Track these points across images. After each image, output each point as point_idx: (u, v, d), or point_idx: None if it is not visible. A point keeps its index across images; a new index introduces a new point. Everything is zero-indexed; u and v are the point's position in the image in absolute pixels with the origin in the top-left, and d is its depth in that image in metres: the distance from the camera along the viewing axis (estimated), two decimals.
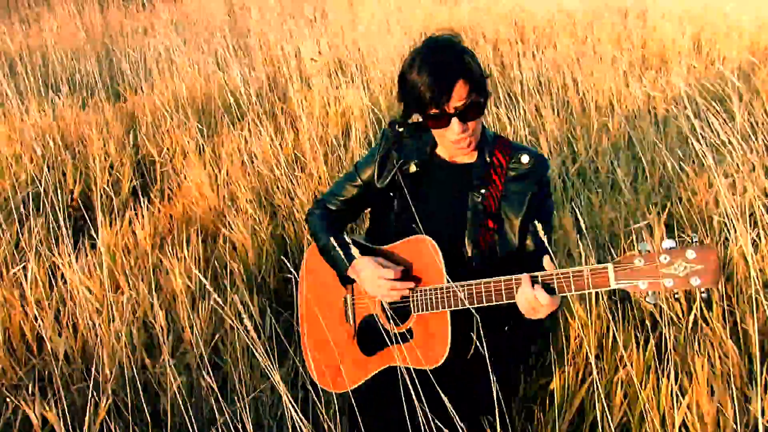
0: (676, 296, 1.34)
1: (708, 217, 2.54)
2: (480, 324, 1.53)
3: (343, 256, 1.67)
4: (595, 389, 1.79)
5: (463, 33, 5.81)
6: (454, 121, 1.53)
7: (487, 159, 1.65)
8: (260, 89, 4.34)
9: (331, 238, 1.71)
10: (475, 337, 1.57)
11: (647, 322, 2.11)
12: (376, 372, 1.67)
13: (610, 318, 1.90)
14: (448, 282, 1.52)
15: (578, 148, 3.43)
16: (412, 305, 1.60)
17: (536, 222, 1.44)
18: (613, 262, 1.32)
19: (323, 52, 4.99)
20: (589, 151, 3.36)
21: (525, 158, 1.65)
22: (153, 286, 2.24)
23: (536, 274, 1.42)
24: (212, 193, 3.03)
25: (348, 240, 1.65)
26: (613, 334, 1.92)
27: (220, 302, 1.51)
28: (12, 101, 4.21)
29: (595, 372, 1.77)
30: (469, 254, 1.61)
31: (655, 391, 1.76)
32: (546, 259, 1.42)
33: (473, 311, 1.50)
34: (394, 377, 1.58)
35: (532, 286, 1.40)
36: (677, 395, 1.70)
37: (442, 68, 1.51)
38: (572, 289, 1.38)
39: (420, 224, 1.64)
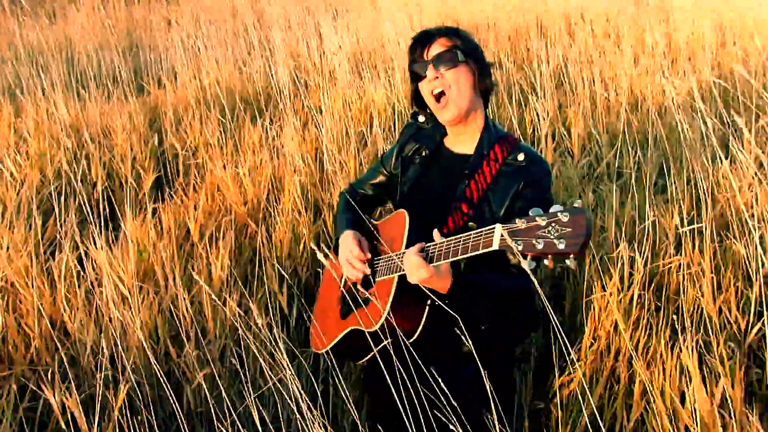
0: (546, 262, 1.25)
1: (739, 217, 2.49)
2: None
3: (339, 227, 1.87)
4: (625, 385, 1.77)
5: (482, 28, 5.78)
6: (429, 67, 1.67)
7: (484, 151, 1.72)
8: (283, 83, 4.35)
9: (344, 214, 1.92)
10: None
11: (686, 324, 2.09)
12: (342, 335, 1.77)
13: (649, 320, 1.89)
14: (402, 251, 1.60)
15: (603, 145, 3.40)
16: (377, 272, 1.73)
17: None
18: (501, 224, 1.31)
19: (345, 47, 4.99)
20: (612, 148, 3.32)
21: (521, 156, 1.69)
22: (181, 277, 2.26)
23: (428, 244, 1.52)
24: (251, 186, 3.05)
25: (351, 216, 1.87)
26: (647, 336, 1.91)
27: (247, 294, 1.51)
28: (39, 95, 4.28)
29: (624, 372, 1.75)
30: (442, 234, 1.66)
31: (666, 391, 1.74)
32: (435, 232, 1.52)
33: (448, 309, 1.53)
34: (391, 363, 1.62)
35: (420, 251, 1.51)
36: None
37: (422, 31, 1.75)
38: (455, 255, 1.41)
39: (413, 203, 1.77)
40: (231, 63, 5.05)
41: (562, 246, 1.18)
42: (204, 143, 3.70)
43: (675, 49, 4.75)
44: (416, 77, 1.75)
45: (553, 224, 1.20)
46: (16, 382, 2.00)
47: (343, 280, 1.88)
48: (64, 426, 1.72)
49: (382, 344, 1.64)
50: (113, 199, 3.22)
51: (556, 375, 1.93)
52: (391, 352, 1.56)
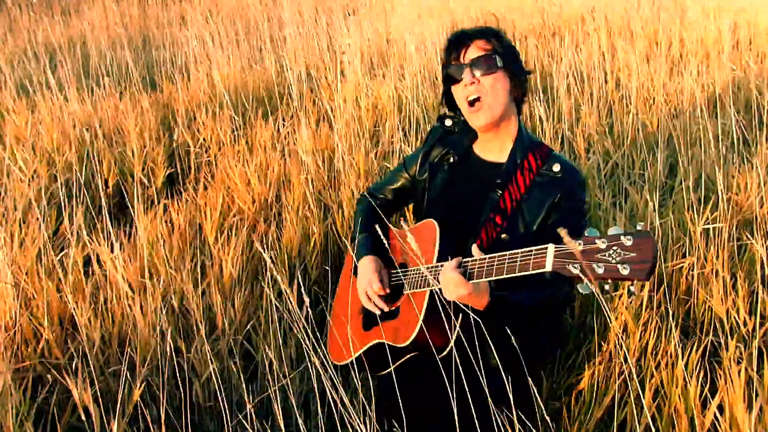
0: (606, 289, 1.19)
1: (755, 217, 2.47)
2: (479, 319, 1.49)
3: (359, 250, 1.80)
4: (632, 387, 1.76)
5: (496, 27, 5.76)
6: (466, 71, 1.60)
7: (518, 160, 1.65)
8: (295, 81, 4.36)
9: (363, 233, 1.84)
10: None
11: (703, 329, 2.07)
12: (366, 347, 1.72)
13: (658, 321, 1.88)
14: (435, 263, 1.55)
15: (615, 144, 3.38)
16: (405, 284, 1.67)
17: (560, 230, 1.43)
18: (555, 245, 1.25)
19: (356, 45, 4.99)
20: (623, 148, 3.30)
21: (557, 167, 1.63)
22: (191, 273, 2.27)
23: (467, 259, 1.45)
24: (260, 185, 3.06)
25: (369, 236, 1.78)
26: (655, 339, 1.90)
27: (258, 288, 1.52)
28: (53, 91, 4.31)
29: (634, 372, 1.74)
30: (470, 246, 1.60)
31: (683, 394, 1.73)
32: (473, 248, 1.45)
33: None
34: (416, 368, 1.61)
35: (458, 266, 1.44)
36: (708, 398, 1.67)
37: (459, 32, 1.66)
38: (501, 273, 1.35)
39: (442, 212, 1.70)
40: (243, 60, 5.07)
41: (626, 272, 1.12)
42: (216, 141, 3.72)
43: (689, 49, 4.71)
44: (450, 80, 1.68)
45: (614, 248, 1.14)
46: (30, 376, 2.02)
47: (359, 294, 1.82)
48: (82, 418, 1.74)
49: (407, 356, 1.62)
50: (125, 195, 3.25)
51: (565, 376, 1.92)
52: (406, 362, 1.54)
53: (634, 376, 1.86)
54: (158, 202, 2.99)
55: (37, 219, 2.73)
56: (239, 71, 4.79)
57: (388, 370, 1.69)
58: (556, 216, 1.59)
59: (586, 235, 1.19)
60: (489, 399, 1.46)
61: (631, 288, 1.17)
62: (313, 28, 5.66)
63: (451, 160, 1.76)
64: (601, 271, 1.15)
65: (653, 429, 1.80)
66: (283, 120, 3.83)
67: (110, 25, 7.05)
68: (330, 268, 2.57)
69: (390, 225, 1.85)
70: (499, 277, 1.35)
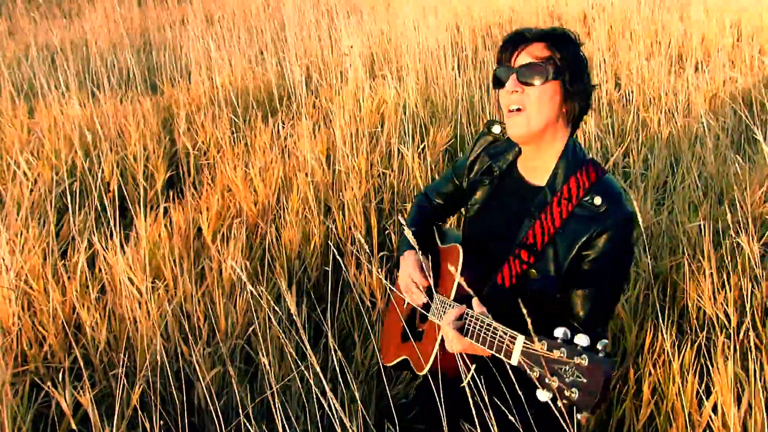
0: (560, 403, 1.06)
1: (755, 216, 2.47)
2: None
3: (403, 244, 1.70)
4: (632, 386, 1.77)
5: (499, 26, 5.77)
6: (512, 77, 1.41)
7: (557, 187, 1.44)
8: (296, 83, 4.37)
9: (412, 227, 1.70)
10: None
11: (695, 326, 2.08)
12: (397, 361, 1.69)
13: (654, 319, 1.88)
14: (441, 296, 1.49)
15: (612, 144, 3.38)
16: (430, 309, 1.60)
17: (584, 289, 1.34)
18: (527, 336, 1.12)
19: (360, 47, 5.00)
20: (623, 146, 3.30)
21: (598, 200, 1.39)
22: (192, 276, 2.29)
23: (469, 311, 1.33)
24: (263, 187, 3.08)
25: (414, 234, 1.61)
26: (653, 334, 1.90)
27: (258, 292, 1.53)
28: (54, 93, 4.33)
29: (631, 371, 1.75)
30: (491, 282, 1.46)
31: (681, 392, 1.74)
32: (474, 301, 1.32)
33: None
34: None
35: (460, 318, 1.33)
36: (702, 397, 1.67)
37: (529, 29, 1.44)
38: (479, 340, 1.25)
39: (476, 231, 1.59)
40: (244, 62, 5.08)
41: (574, 396, 1.01)
42: (216, 143, 3.73)
43: (690, 47, 4.71)
44: (496, 82, 1.48)
45: (571, 364, 1.02)
46: (30, 380, 2.04)
47: (405, 302, 1.75)
48: (75, 425, 1.75)
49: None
50: (126, 198, 3.26)
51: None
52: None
53: (632, 374, 1.87)
54: (159, 205, 3.00)
55: (41, 222, 2.75)
56: (240, 73, 4.80)
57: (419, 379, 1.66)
58: (592, 254, 1.38)
59: (555, 335, 1.07)
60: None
61: (577, 416, 1.03)
62: (315, 29, 5.67)
63: (494, 173, 1.59)
64: (555, 384, 1.04)
65: (651, 427, 1.81)
66: (283, 123, 3.84)
67: (111, 27, 7.07)
68: (330, 269, 2.59)
69: (437, 235, 1.75)
70: (482, 351, 1.25)
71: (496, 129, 1.63)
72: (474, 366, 1.39)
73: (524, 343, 1.13)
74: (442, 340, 1.45)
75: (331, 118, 3.73)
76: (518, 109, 1.42)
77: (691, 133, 3.29)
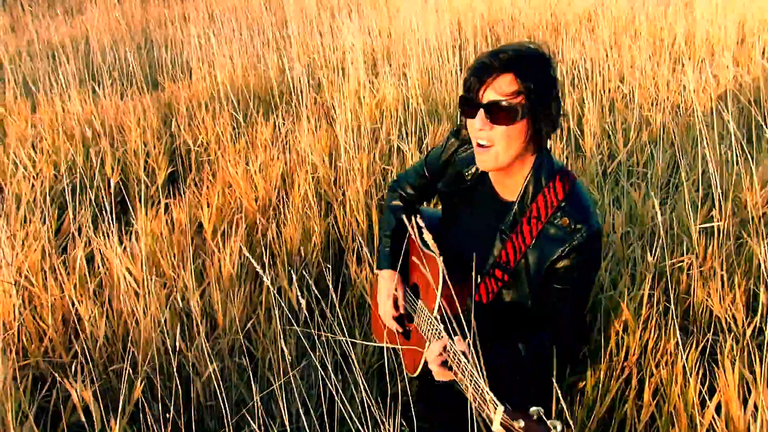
0: None
1: (754, 216, 2.46)
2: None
3: (382, 260, 1.77)
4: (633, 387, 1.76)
5: (501, 24, 5.75)
6: (480, 113, 1.36)
7: (527, 203, 1.45)
8: (297, 80, 4.36)
9: (389, 238, 1.80)
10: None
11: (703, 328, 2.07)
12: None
13: (658, 320, 1.87)
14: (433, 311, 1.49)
15: (616, 142, 3.37)
16: (414, 314, 1.63)
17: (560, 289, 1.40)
18: (506, 408, 1.14)
19: (361, 44, 4.99)
20: (627, 146, 3.29)
21: (566, 220, 1.42)
22: (192, 272, 2.28)
23: (451, 344, 1.31)
24: (263, 184, 3.07)
25: (387, 244, 1.77)
26: (656, 336, 1.90)
27: (264, 279, 1.52)
28: (55, 90, 4.33)
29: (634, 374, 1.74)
30: (469, 302, 1.46)
31: (683, 392, 1.73)
32: (457, 339, 1.30)
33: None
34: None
35: (443, 349, 1.33)
36: (705, 398, 1.67)
37: (496, 56, 1.36)
38: (467, 392, 1.24)
39: (452, 240, 1.57)
40: (245, 59, 5.07)
41: None
42: (216, 139, 3.73)
43: (694, 45, 4.69)
44: (465, 111, 1.43)
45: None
46: (31, 375, 2.04)
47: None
48: (82, 418, 1.75)
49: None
50: (126, 194, 3.26)
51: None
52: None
53: (634, 374, 1.86)
54: (159, 201, 3.00)
55: (40, 218, 2.74)
56: (241, 70, 4.79)
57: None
58: (563, 267, 1.42)
59: (530, 410, 1.10)
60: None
61: None
62: (317, 26, 5.66)
63: (468, 180, 1.58)
64: None
65: (653, 427, 1.80)
66: (283, 119, 3.83)
67: (112, 23, 7.06)
68: (331, 265, 2.58)
69: (414, 236, 1.73)
70: (466, 394, 1.24)
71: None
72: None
73: (505, 410, 1.14)
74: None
75: (332, 115, 3.72)
76: (487, 145, 1.39)
77: (695, 132, 3.27)
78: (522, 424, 1.10)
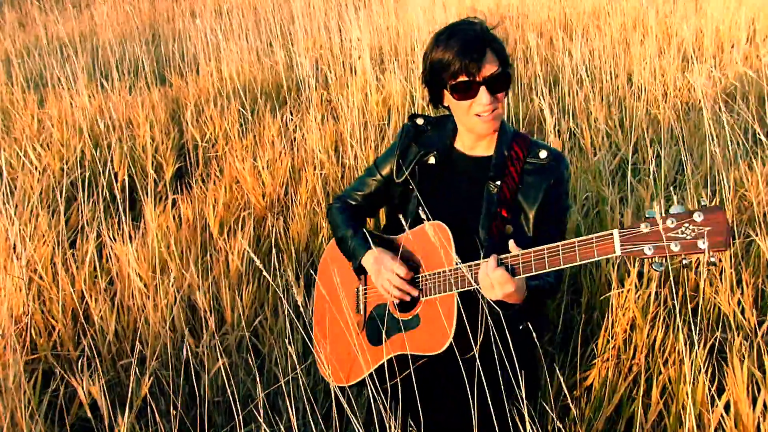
0: (685, 263, 1.24)
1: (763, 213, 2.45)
2: (490, 318, 1.49)
3: (358, 247, 1.73)
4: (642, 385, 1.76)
5: (509, 19, 5.73)
6: (482, 90, 1.55)
7: (505, 152, 1.67)
8: (305, 75, 4.36)
9: (350, 230, 1.78)
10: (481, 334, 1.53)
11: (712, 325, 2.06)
12: (383, 361, 1.66)
13: (665, 318, 1.86)
14: (457, 262, 1.50)
15: (622, 140, 3.35)
16: (421, 291, 1.62)
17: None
18: (618, 229, 1.27)
19: (368, 39, 4.98)
20: (630, 143, 3.27)
21: (543, 153, 1.67)
22: (200, 268, 2.29)
23: (504, 255, 1.43)
24: (271, 180, 3.07)
25: (365, 232, 1.73)
26: (663, 334, 1.89)
27: (269, 280, 1.52)
28: (63, 85, 4.34)
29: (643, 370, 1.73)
30: (482, 242, 1.62)
31: (692, 391, 1.72)
32: (511, 243, 1.43)
33: (487, 307, 1.48)
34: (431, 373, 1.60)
35: (497, 264, 1.41)
36: (714, 396, 1.66)
37: (471, 38, 1.55)
38: (558, 264, 1.35)
39: (435, 213, 1.62)
40: (253, 54, 5.08)
41: (704, 245, 1.18)
42: (224, 135, 3.73)
43: (703, 42, 4.66)
44: (465, 95, 1.57)
45: (686, 224, 1.19)
46: (41, 369, 2.05)
47: (363, 304, 1.77)
48: (88, 413, 1.76)
49: (418, 363, 1.60)
50: (134, 190, 3.27)
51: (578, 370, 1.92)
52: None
53: (642, 372, 1.86)
54: (167, 196, 3.01)
55: (50, 212, 2.75)
56: (248, 65, 4.80)
57: (400, 377, 1.64)
58: (551, 200, 1.64)
59: (647, 216, 1.24)
60: (506, 394, 1.48)
61: (713, 259, 1.20)
62: (324, 21, 5.65)
63: (432, 160, 1.74)
64: (677, 248, 1.20)
65: (660, 426, 1.80)
66: (291, 114, 3.83)
67: (120, 18, 7.08)
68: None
69: (383, 235, 1.77)
70: (552, 269, 1.36)
71: (420, 121, 1.79)
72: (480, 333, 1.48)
73: (620, 231, 1.26)
74: (458, 310, 1.51)
75: (339, 111, 3.72)
76: (493, 110, 1.59)
77: (702, 130, 3.25)
78: (648, 226, 1.23)
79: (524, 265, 1.40)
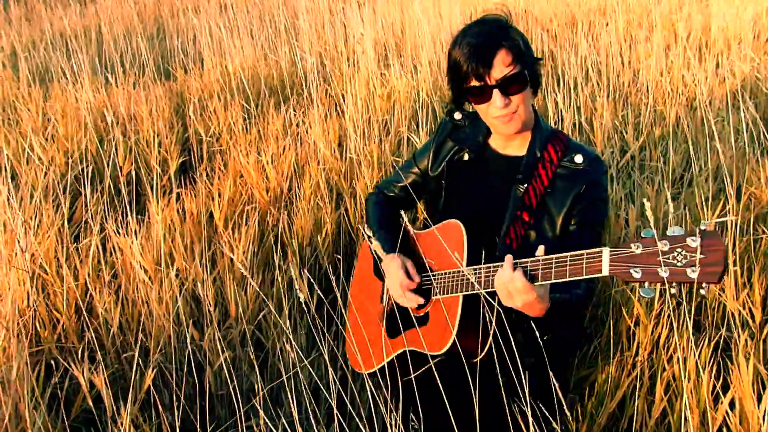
0: (672, 293, 1.12)
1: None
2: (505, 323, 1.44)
3: (380, 249, 1.68)
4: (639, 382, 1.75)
5: (515, 16, 5.70)
6: (496, 93, 1.50)
7: (537, 153, 1.60)
8: (308, 71, 4.36)
9: (374, 228, 1.77)
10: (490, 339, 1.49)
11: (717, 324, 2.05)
12: (394, 355, 1.66)
13: (669, 316, 1.86)
14: (461, 266, 1.48)
15: (629, 137, 3.34)
16: (432, 289, 1.60)
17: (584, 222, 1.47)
18: (610, 246, 1.19)
19: (371, 35, 4.97)
20: (640, 140, 3.26)
21: (579, 158, 1.58)
22: (204, 262, 2.29)
23: (522, 260, 1.33)
24: (275, 175, 3.06)
25: (385, 233, 1.73)
26: (668, 331, 1.88)
27: (268, 280, 1.52)
28: (67, 79, 4.35)
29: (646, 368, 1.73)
30: (498, 245, 1.57)
31: (697, 389, 1.71)
32: (540, 249, 1.33)
33: (504, 315, 1.42)
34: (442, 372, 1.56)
35: (513, 269, 1.32)
36: (719, 394, 1.65)
37: (482, 38, 1.50)
38: (559, 276, 1.26)
39: (462, 211, 1.62)
40: (257, 50, 5.07)
41: (694, 275, 1.06)
42: (228, 130, 3.73)
43: (709, 39, 4.63)
44: (478, 99, 1.54)
45: (679, 250, 1.08)
46: (45, 361, 2.05)
47: (386, 296, 1.77)
48: (90, 404, 1.76)
49: (435, 360, 1.56)
50: (138, 184, 3.27)
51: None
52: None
53: (646, 369, 1.85)
54: (171, 191, 3.01)
55: (55, 205, 2.76)
56: (252, 60, 4.79)
57: (416, 374, 1.62)
58: (580, 206, 1.56)
59: (642, 236, 1.14)
60: (520, 398, 1.41)
61: (702, 291, 1.09)
62: (328, 17, 5.64)
63: (466, 157, 1.70)
64: (665, 274, 1.10)
65: (664, 423, 1.79)
66: (294, 110, 3.83)
67: (125, 13, 7.08)
68: (342, 257, 2.58)
69: (408, 225, 1.77)
70: (560, 280, 1.26)
71: (458, 116, 1.75)
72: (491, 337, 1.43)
73: (611, 251, 1.18)
74: (463, 308, 1.48)
75: (343, 107, 3.71)
76: (510, 113, 1.53)
77: (709, 127, 3.23)
78: (639, 246, 1.13)
79: (542, 272, 1.30)
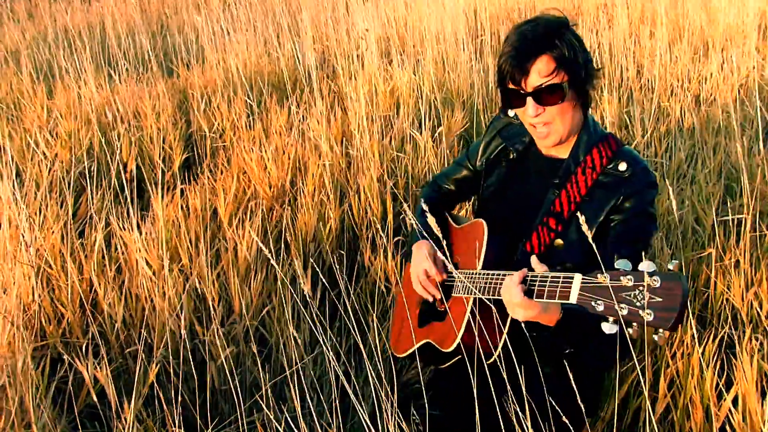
0: (630, 332, 1.05)
1: None
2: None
3: (414, 234, 1.67)
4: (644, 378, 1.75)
5: (518, 11, 5.69)
6: (529, 101, 1.42)
7: (580, 157, 1.49)
8: (310, 67, 4.35)
9: (418, 215, 1.72)
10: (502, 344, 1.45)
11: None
12: (418, 345, 1.65)
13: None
14: (481, 268, 1.45)
15: (634, 133, 3.33)
16: (454, 286, 1.57)
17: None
18: (585, 274, 1.12)
19: (374, 31, 4.96)
20: (645, 136, 3.25)
21: (623, 166, 1.44)
22: (207, 257, 2.29)
23: (533, 273, 1.27)
24: (278, 170, 3.07)
25: (424, 222, 1.64)
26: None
27: (276, 269, 1.52)
28: (71, 76, 4.35)
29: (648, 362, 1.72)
30: (519, 250, 1.51)
31: (700, 385, 1.71)
32: (533, 259, 1.28)
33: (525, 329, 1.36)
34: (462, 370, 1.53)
35: (520, 282, 1.26)
36: (723, 390, 1.65)
37: (526, 42, 1.40)
38: (549, 297, 1.20)
39: (498, 210, 1.58)
40: (259, 46, 5.07)
41: (649, 318, 0.99)
42: (231, 126, 3.73)
43: (713, 35, 4.61)
44: (512, 104, 1.48)
45: (641, 288, 1.01)
46: (49, 355, 2.06)
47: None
48: (94, 398, 1.77)
49: (455, 358, 1.53)
50: (142, 180, 3.27)
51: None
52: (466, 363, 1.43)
53: (649, 365, 1.84)
54: (175, 186, 3.01)
55: (59, 201, 2.76)
56: (255, 57, 4.79)
57: (444, 366, 1.61)
58: (618, 217, 1.43)
59: (616, 267, 1.06)
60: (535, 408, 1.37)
61: (655, 337, 1.01)
62: (331, 13, 5.63)
63: (511, 156, 1.63)
64: (624, 312, 1.03)
65: (668, 419, 1.79)
66: (298, 105, 3.83)
67: (128, 10, 7.08)
68: (345, 252, 2.58)
69: (450, 219, 1.74)
70: (562, 302, 1.17)
71: (511, 113, 1.65)
72: (504, 340, 1.39)
73: (583, 279, 1.11)
74: (472, 310, 1.44)
75: (346, 102, 3.71)
76: (544, 123, 1.45)
77: (714, 123, 3.22)
78: (608, 277, 1.07)
79: (545, 288, 1.22)
